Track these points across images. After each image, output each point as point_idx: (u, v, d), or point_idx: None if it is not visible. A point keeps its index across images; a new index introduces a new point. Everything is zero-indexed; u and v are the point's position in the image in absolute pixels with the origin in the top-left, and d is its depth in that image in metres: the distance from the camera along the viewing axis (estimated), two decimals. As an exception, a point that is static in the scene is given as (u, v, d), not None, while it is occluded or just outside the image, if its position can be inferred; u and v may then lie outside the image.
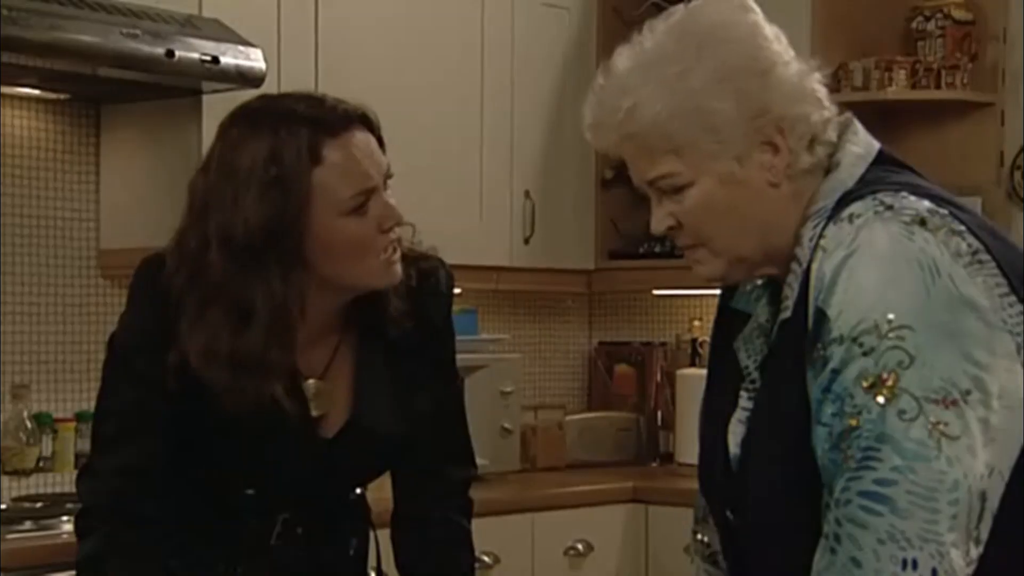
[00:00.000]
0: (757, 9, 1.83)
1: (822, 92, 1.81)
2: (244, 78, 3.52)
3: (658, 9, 4.62)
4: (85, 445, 3.65)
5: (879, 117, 4.06)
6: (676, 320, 4.96)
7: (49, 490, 3.73)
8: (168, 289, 2.11)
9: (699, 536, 2.04)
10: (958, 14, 4.40)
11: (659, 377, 4.87)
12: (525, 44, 4.48)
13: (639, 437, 4.91)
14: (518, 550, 4.00)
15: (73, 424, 3.77)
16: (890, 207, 1.70)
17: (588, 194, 4.68)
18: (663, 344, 4.95)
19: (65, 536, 3.16)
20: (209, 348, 2.08)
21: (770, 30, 1.81)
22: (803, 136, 1.77)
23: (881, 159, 1.82)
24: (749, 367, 1.84)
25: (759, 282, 1.89)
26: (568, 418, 4.78)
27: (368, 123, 2.15)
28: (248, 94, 3.57)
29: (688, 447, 4.48)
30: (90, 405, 3.72)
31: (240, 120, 2.14)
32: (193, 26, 3.51)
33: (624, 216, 4.75)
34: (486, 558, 3.82)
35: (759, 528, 1.80)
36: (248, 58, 3.53)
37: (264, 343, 2.08)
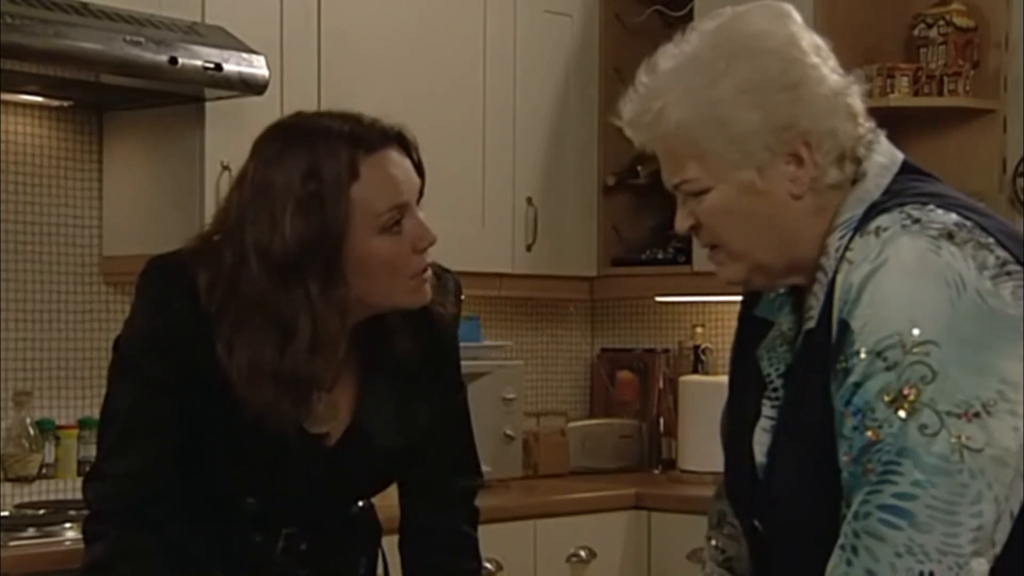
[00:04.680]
0: (798, 19, 1.82)
1: (858, 107, 1.81)
2: (247, 85, 3.52)
3: (661, 16, 4.64)
4: (88, 452, 3.66)
5: (881, 124, 4.02)
6: (679, 326, 4.96)
7: (51, 497, 3.72)
8: (192, 295, 2.10)
9: (713, 542, 2.04)
10: (960, 21, 4.39)
11: (662, 384, 4.86)
12: (527, 51, 4.48)
13: (641, 444, 4.90)
14: (521, 557, 3.99)
15: (76, 431, 3.77)
16: (917, 220, 1.70)
17: (590, 200, 4.68)
18: (666, 351, 4.94)
19: (68, 543, 3.15)
20: (253, 365, 2.08)
21: (808, 42, 1.80)
22: (831, 151, 1.78)
23: (906, 168, 1.82)
24: (772, 375, 1.84)
25: (782, 290, 1.89)
26: (570, 425, 4.77)
27: (404, 143, 2.16)
28: (251, 101, 3.62)
29: (691, 454, 4.48)
30: (93, 412, 3.73)
31: (276, 137, 2.14)
32: (196, 33, 3.51)
33: (626, 223, 4.75)
34: (489, 565, 3.81)
35: (785, 536, 1.81)
36: (251, 65, 3.54)
37: (308, 360, 2.08)
